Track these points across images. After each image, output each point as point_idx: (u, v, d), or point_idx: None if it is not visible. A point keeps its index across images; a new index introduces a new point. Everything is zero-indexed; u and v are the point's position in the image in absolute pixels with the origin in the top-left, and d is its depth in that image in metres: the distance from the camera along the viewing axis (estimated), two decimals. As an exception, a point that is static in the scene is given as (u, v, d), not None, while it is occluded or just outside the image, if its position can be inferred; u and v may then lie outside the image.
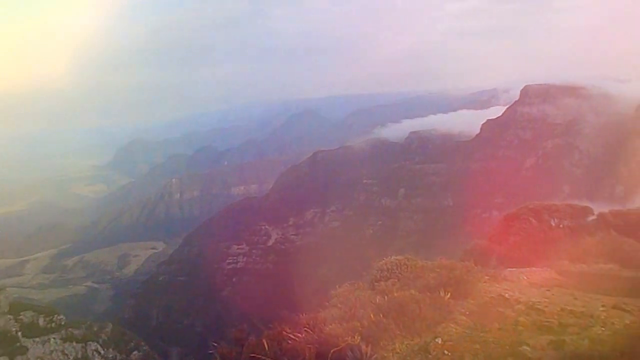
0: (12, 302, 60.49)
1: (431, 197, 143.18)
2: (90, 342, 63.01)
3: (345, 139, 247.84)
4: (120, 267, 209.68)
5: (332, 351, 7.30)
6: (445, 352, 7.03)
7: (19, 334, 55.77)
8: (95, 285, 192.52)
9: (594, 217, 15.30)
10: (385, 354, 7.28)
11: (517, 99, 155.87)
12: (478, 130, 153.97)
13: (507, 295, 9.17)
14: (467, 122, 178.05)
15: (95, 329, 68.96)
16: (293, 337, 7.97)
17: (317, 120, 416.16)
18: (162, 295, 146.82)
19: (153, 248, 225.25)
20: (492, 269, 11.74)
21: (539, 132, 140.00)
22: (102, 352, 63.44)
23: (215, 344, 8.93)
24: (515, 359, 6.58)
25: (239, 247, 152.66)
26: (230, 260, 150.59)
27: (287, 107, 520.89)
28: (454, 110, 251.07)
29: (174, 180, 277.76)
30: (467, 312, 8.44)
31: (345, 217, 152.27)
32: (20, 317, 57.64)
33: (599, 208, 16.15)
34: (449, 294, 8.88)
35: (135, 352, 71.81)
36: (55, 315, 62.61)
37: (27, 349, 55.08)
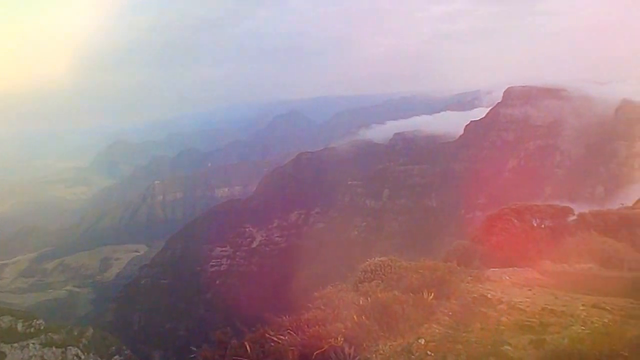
0: (-11, 307, 58.91)
1: (415, 198, 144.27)
2: (71, 347, 61.70)
3: (329, 140, 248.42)
4: (102, 271, 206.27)
5: (315, 353, 7.26)
6: (429, 352, 7.04)
7: (-4, 339, 54.40)
8: (76, 289, 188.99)
9: (574, 217, 15.53)
10: (369, 356, 7.25)
11: (499, 100, 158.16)
12: (461, 132, 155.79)
13: (489, 295, 9.23)
14: (451, 124, 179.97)
15: (75, 333, 67.59)
16: (276, 339, 7.94)
17: (301, 121, 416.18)
18: (144, 298, 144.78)
19: (135, 251, 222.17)
20: (475, 270, 11.82)
21: (521, 133, 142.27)
22: (82, 357, 62.16)
23: (198, 347, 8.81)
24: (497, 358, 6.62)
25: (223, 249, 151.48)
26: (214, 263, 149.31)
27: (272, 108, 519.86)
28: (438, 111, 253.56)
29: (156, 182, 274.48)
30: (450, 313, 8.46)
31: (329, 218, 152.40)
32: (-2, 322, 56.23)
33: (579, 208, 16.41)
34: (432, 295, 8.90)
35: (116, 357, 70.63)
36: (35, 320, 61.22)
37: (5, 355, 53.76)
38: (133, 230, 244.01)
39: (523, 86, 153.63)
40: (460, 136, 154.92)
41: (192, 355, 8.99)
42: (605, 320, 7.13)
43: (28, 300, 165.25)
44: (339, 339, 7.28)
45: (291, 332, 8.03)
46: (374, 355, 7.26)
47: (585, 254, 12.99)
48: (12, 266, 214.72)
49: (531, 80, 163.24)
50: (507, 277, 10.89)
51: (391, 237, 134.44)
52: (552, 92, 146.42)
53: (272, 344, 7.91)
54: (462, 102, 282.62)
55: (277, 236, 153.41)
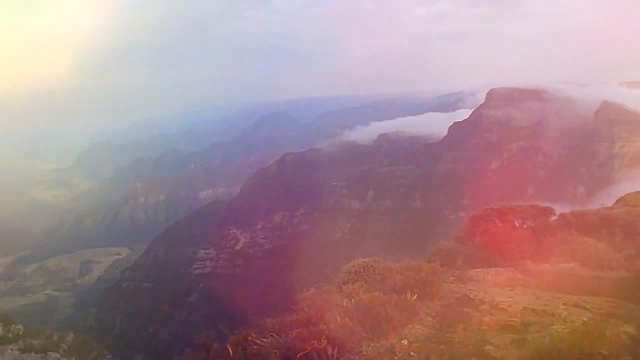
0: (-36, 312, 57.28)
1: (400, 199, 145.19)
2: (51, 352, 60.21)
3: (314, 141, 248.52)
4: (82, 274, 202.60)
5: (298, 355, 7.22)
6: (412, 353, 7.06)
7: (-28, 345, 52.87)
8: (56, 293, 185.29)
9: (555, 217, 15.74)
10: (352, 357, 7.23)
11: (482, 102, 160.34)
12: (445, 133, 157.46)
13: (472, 295, 9.29)
14: (435, 125, 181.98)
15: (55, 338, 66.01)
16: (259, 342, 7.89)
17: (285, 122, 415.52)
18: (126, 302, 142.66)
19: (117, 254, 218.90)
20: (458, 270, 11.88)
21: (504, 134, 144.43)
22: (62, 362, 60.91)
23: (181, 351, 8.68)
24: (479, 358, 6.67)
25: (206, 251, 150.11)
26: (197, 265, 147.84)
27: (256, 109, 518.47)
28: (422, 112, 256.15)
29: (138, 184, 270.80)
30: (433, 313, 8.50)
31: (314, 220, 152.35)
32: (-26, 327, 54.65)
33: (561, 209, 16.63)
34: (416, 295, 8.93)
35: (97, 362, 69.29)
36: (13, 325, 59.51)
37: (-19, 362, 52.28)
38: (115, 232, 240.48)
39: (506, 88, 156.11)
40: (444, 137, 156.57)
41: (175, 359, 8.87)
42: (585, 319, 7.23)
43: (6, 305, 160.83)
44: (322, 340, 7.26)
45: (274, 335, 8.00)
46: (357, 357, 7.23)
47: (566, 253, 13.18)
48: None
49: (513, 81, 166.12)
50: (490, 277, 10.97)
51: (376, 238, 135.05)
52: (534, 94, 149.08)
53: (255, 346, 7.88)
54: (446, 104, 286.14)
55: (261, 238, 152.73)
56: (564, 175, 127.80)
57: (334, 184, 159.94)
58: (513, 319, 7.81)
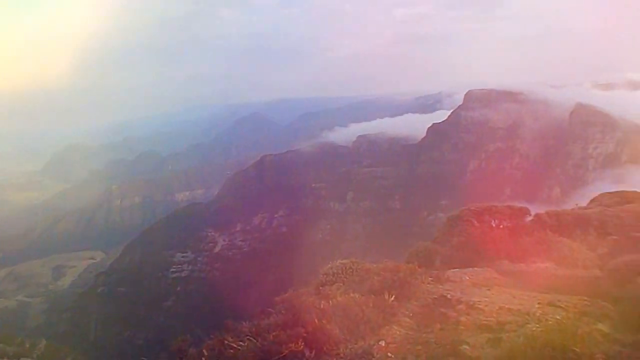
0: None
1: (379, 200, 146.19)
2: (23, 359, 58.61)
3: (293, 142, 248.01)
4: (55, 279, 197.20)
5: (274, 358, 7.11)
6: (389, 354, 7.07)
7: (-61, 354, 50.90)
8: (28, 299, 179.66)
9: (531, 217, 16.01)
10: (329, 359, 7.16)
11: (460, 103, 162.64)
12: (424, 134, 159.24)
13: (449, 295, 9.33)
14: (414, 126, 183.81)
15: (27, 345, 64.26)
16: (235, 345, 7.78)
17: (264, 124, 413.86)
18: (101, 307, 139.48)
19: (91, 258, 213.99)
20: (436, 270, 11.96)
21: (481, 135, 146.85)
22: (34, 370, 59.17)
23: (156, 357, 8.47)
24: (456, 358, 6.71)
25: (184, 254, 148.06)
26: (175, 269, 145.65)
27: (234, 110, 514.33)
28: (400, 114, 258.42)
29: (114, 186, 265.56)
30: (411, 314, 8.52)
31: (293, 221, 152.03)
32: (-60, 335, 52.59)
33: (537, 209, 16.92)
34: (393, 297, 8.94)
35: (71, 369, 67.61)
36: (-19, 333, 57.68)
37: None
38: (89, 236, 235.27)
39: (483, 89, 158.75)
40: (423, 138, 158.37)
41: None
42: (559, 318, 7.34)
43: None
44: (299, 343, 7.22)
45: (250, 338, 7.91)
46: (334, 359, 7.18)
47: (542, 253, 13.42)
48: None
49: (490, 83, 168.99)
50: (467, 278, 11.05)
51: (355, 239, 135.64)
52: (510, 96, 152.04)
53: (231, 350, 7.77)
54: (425, 105, 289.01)
55: (240, 240, 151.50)
56: (540, 176, 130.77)
57: (313, 185, 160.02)
58: (489, 318, 7.88)
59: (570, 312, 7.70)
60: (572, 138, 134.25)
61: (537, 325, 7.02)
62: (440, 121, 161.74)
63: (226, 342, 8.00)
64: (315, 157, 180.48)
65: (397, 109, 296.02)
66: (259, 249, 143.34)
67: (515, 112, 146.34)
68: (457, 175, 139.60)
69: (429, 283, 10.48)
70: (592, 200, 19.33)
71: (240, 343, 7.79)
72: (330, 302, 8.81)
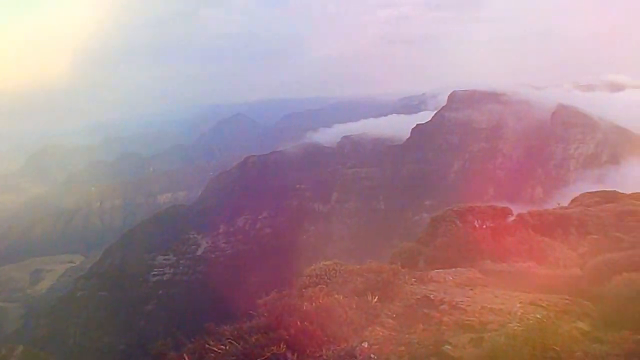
0: None
1: (364, 200, 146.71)
2: (-2, 367, 57.16)
3: (276, 143, 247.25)
4: (33, 284, 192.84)
5: (256, 362, 7.02)
6: (372, 355, 7.06)
7: None
8: (4, 304, 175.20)
9: (513, 217, 16.23)
10: (312, 362, 7.11)
11: (444, 104, 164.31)
12: (408, 135, 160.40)
13: (432, 296, 9.36)
14: (398, 127, 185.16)
15: (4, 351, 62.84)
16: (216, 349, 7.68)
17: (247, 124, 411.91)
18: (81, 312, 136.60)
19: (70, 262, 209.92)
20: (419, 271, 12.02)
21: (465, 136, 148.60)
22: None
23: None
24: (438, 358, 6.72)
25: (166, 257, 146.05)
26: (156, 272, 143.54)
27: (216, 111, 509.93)
28: (385, 114, 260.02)
29: (93, 188, 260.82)
30: (394, 315, 8.52)
31: (277, 223, 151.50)
32: None
33: (519, 209, 17.19)
34: (376, 298, 8.94)
35: (49, 375, 66.15)
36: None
37: None
38: (68, 239, 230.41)
39: (466, 90, 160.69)
40: (407, 139, 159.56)
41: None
42: (539, 317, 7.40)
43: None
44: (281, 346, 7.14)
45: (232, 342, 7.80)
46: (317, 361, 7.12)
47: (524, 253, 13.62)
48: None
49: (474, 84, 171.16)
50: (450, 278, 11.12)
51: (340, 241, 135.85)
52: (493, 97, 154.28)
53: (212, 354, 7.67)
54: (409, 106, 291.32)
55: (223, 242, 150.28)
56: (522, 176, 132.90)
57: (297, 186, 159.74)
58: (471, 318, 7.93)
59: (551, 310, 7.78)
60: (554, 139, 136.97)
61: (519, 325, 7.06)
62: (424, 122, 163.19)
63: (207, 345, 7.89)
64: (300, 158, 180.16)
65: (381, 110, 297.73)
66: (243, 251, 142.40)
67: (498, 113, 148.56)
68: (441, 175, 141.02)
69: (412, 284, 10.51)
70: (573, 200, 19.72)
71: (222, 346, 7.68)
72: (313, 304, 8.76)
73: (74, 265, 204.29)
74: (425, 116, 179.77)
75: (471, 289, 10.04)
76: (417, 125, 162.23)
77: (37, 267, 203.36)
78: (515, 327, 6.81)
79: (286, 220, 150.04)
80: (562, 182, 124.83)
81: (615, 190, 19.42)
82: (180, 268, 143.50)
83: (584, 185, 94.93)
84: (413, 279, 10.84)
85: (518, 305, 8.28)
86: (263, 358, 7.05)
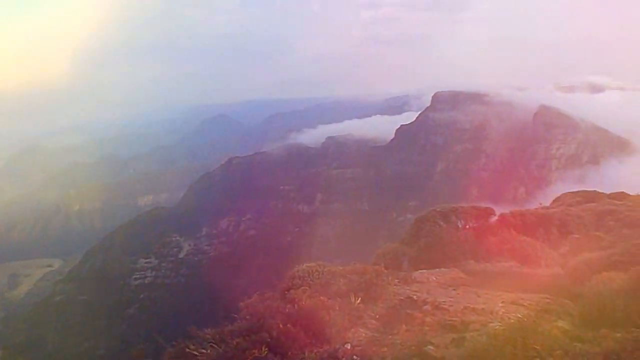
0: None
1: (348, 201, 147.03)
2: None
3: (260, 144, 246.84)
4: (10, 288, 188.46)
5: (238, 366, 6.92)
6: (355, 357, 7.04)
7: None
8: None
9: (496, 217, 16.41)
10: (294, 364, 7.04)
11: (428, 105, 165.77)
12: (392, 136, 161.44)
13: (415, 296, 9.37)
14: (382, 128, 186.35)
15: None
16: (197, 353, 7.56)
17: (230, 125, 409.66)
18: (59, 316, 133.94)
19: (49, 265, 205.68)
20: (403, 272, 12.03)
21: (449, 137, 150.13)
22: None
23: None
24: (421, 359, 6.73)
25: (147, 260, 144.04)
26: (137, 276, 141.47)
27: (199, 111, 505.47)
28: (369, 115, 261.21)
29: (72, 190, 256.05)
30: (377, 316, 8.50)
31: (261, 225, 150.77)
32: None
33: (502, 209, 17.40)
34: (360, 299, 8.93)
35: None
36: None
37: None
38: (46, 243, 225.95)
39: (449, 91, 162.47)
40: (391, 140, 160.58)
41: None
42: (520, 316, 7.47)
43: None
44: (263, 349, 7.05)
45: (213, 345, 7.67)
46: (299, 364, 7.06)
47: (506, 252, 13.80)
48: None
49: (457, 85, 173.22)
50: (434, 278, 11.16)
51: (325, 242, 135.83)
52: (477, 98, 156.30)
53: (193, 358, 7.51)
54: (393, 107, 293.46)
55: (206, 245, 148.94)
56: (505, 176, 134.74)
57: (281, 187, 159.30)
58: (454, 318, 7.97)
59: (532, 310, 7.86)
60: (536, 139, 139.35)
61: (500, 324, 7.12)
62: (408, 123, 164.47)
63: (188, 349, 7.75)
64: (284, 159, 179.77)
65: (365, 111, 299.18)
66: (226, 254, 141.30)
67: (481, 114, 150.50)
68: (425, 176, 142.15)
69: (395, 284, 10.51)
70: (555, 200, 20.05)
71: (203, 350, 7.56)
72: (296, 306, 8.70)
73: (52, 269, 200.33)
74: (409, 117, 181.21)
75: (454, 289, 10.09)
76: (401, 126, 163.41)
77: (14, 271, 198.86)
78: (497, 327, 6.86)
79: (270, 222, 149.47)
80: (545, 182, 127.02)
81: (595, 190, 19.81)
82: (163, 271, 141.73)
83: (566, 185, 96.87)
84: (396, 280, 10.84)
85: (500, 304, 8.34)
86: (245, 361, 6.96)
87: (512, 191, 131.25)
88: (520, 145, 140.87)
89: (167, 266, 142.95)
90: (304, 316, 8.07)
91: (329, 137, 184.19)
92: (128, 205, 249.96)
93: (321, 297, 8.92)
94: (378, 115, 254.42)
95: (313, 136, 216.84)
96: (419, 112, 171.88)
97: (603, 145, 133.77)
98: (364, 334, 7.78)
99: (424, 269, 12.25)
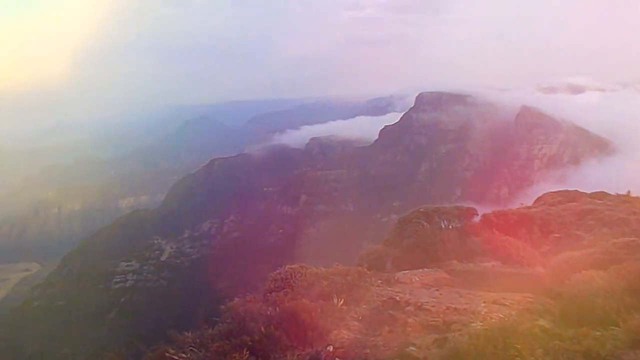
0: None
1: (332, 203, 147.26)
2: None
3: (243, 146, 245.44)
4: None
5: (218, 370, 6.82)
6: (337, 359, 7.00)
7: None
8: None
9: (479, 217, 16.55)
10: (275, 367, 6.97)
11: (412, 105, 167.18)
12: (376, 136, 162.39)
13: (398, 297, 9.35)
14: (365, 128, 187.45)
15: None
16: (177, 357, 7.45)
17: (213, 126, 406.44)
18: (37, 322, 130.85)
19: (26, 270, 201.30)
20: (386, 273, 12.02)
21: (433, 137, 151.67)
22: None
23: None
24: None
25: (128, 264, 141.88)
26: (118, 279, 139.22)
27: (180, 112, 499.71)
28: (352, 116, 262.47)
29: (50, 193, 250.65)
30: (360, 317, 8.47)
31: (245, 227, 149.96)
32: None
33: (485, 209, 17.55)
34: (342, 300, 8.88)
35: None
36: None
37: None
38: (23, 247, 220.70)
39: (433, 92, 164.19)
40: (375, 141, 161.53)
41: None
42: (502, 315, 7.51)
43: None
44: (244, 352, 6.97)
45: (193, 349, 7.57)
46: (280, 367, 6.98)
47: (489, 252, 13.93)
48: None
49: (440, 86, 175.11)
50: (417, 279, 11.16)
51: (309, 243, 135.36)
52: (460, 98, 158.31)
53: (172, 363, 7.38)
54: (377, 107, 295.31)
55: (188, 247, 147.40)
56: (488, 177, 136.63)
57: (265, 189, 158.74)
58: (436, 319, 7.98)
59: (514, 309, 7.91)
60: (518, 140, 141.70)
61: (481, 324, 7.14)
62: (392, 123, 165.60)
63: (167, 354, 7.61)
64: (267, 160, 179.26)
65: (349, 111, 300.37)
66: (209, 256, 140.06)
67: (464, 114, 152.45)
68: (410, 176, 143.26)
69: (378, 286, 10.49)
70: (537, 200, 20.33)
71: (182, 355, 7.44)
72: (278, 308, 8.63)
73: (29, 273, 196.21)
74: (393, 118, 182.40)
75: (437, 290, 10.11)
76: (385, 126, 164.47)
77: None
78: (478, 327, 6.88)
79: (253, 224, 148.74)
80: (527, 182, 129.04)
81: (576, 190, 20.12)
82: (144, 274, 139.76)
83: (547, 185, 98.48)
84: (379, 281, 10.83)
85: (482, 304, 8.38)
86: (225, 365, 6.86)
87: (495, 191, 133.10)
88: (503, 146, 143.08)
89: (149, 269, 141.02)
90: (285, 319, 8.01)
91: (313, 138, 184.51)
92: (108, 208, 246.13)
93: (303, 299, 8.85)
94: (362, 116, 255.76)
95: (297, 137, 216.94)
96: (402, 113, 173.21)
97: (583, 145, 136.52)
98: (346, 336, 7.73)
99: (408, 269, 12.26)
